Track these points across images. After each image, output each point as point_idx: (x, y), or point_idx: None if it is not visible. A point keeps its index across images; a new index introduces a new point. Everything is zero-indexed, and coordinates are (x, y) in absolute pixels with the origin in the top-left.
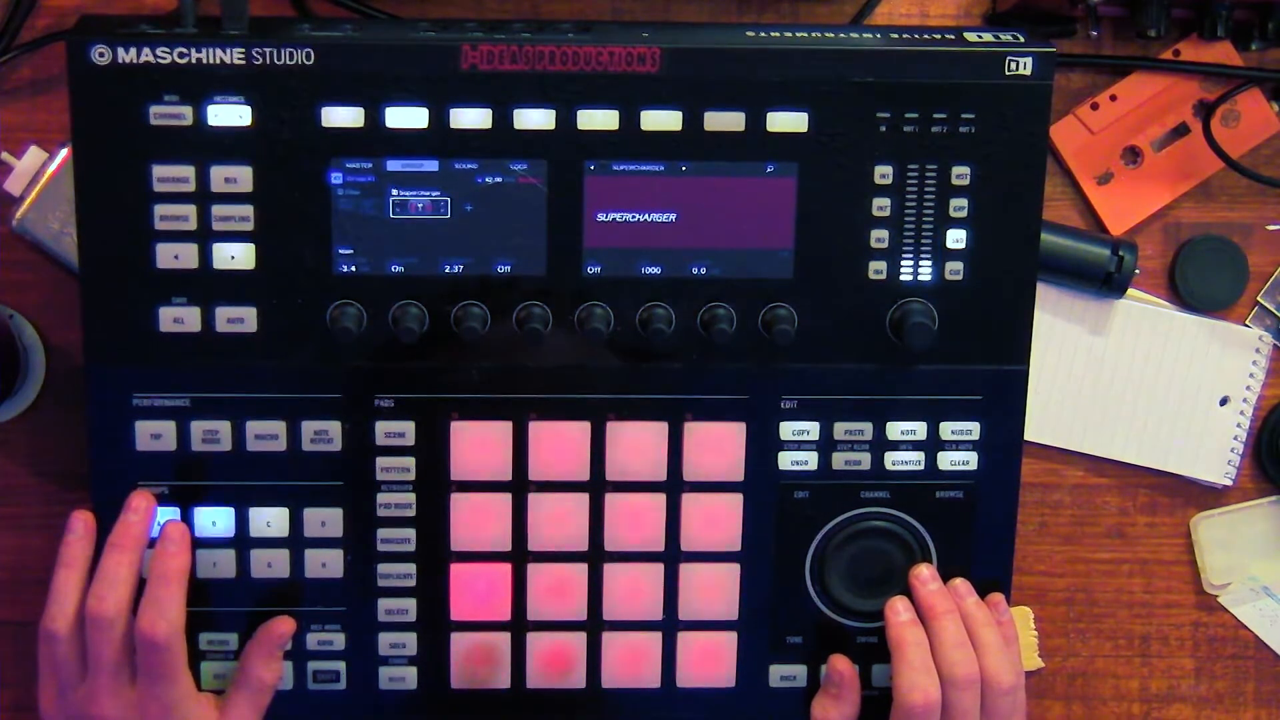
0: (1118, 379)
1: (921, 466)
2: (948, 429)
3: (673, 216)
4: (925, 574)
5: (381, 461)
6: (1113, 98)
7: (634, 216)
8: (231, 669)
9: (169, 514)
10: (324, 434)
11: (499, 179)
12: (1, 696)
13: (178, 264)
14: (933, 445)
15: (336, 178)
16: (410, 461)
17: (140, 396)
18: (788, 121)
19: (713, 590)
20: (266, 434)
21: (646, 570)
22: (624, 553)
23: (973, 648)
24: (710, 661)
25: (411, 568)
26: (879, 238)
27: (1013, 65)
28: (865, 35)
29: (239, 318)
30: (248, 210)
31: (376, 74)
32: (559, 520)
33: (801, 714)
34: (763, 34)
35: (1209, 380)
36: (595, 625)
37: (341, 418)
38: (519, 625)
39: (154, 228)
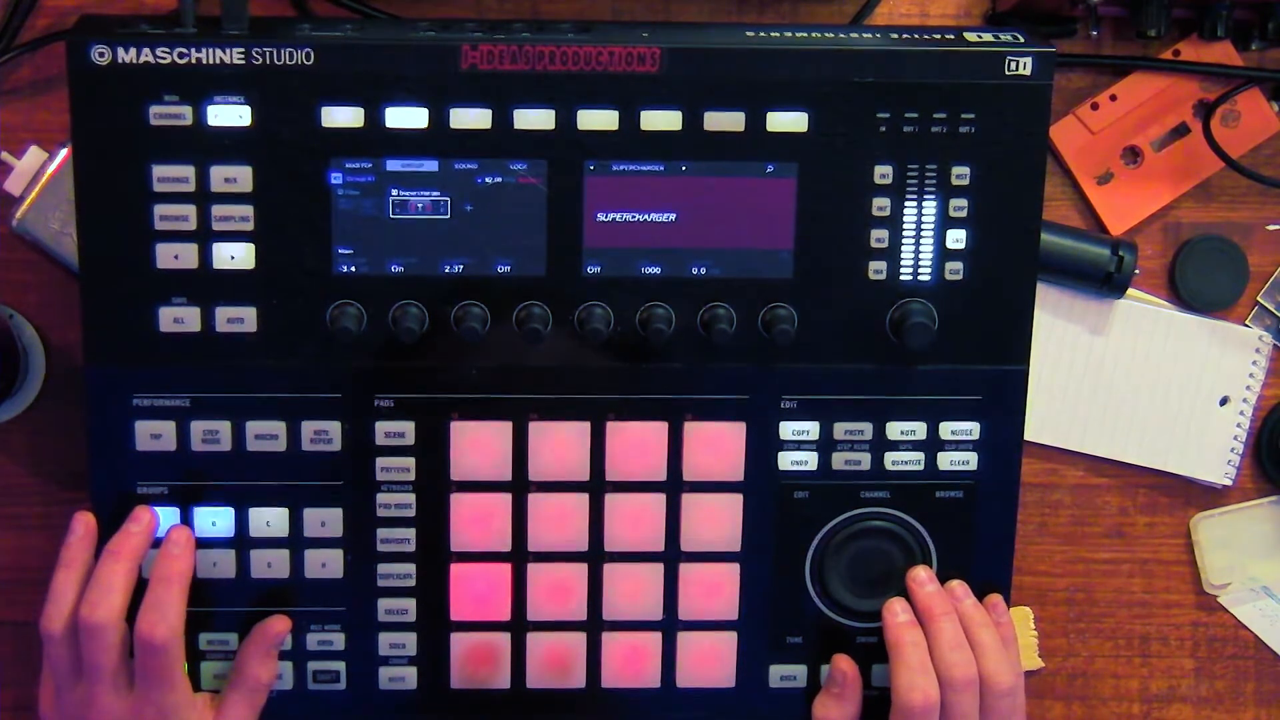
0: (1118, 379)
1: (921, 466)
2: (948, 429)
3: (673, 216)
4: (923, 576)
5: (381, 461)
6: (1113, 98)
7: (634, 216)
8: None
9: (169, 515)
10: (324, 434)
11: (499, 179)
12: (2, 696)
13: (178, 264)
14: (933, 445)
15: (336, 178)
16: (410, 461)
17: (140, 396)
18: (788, 121)
19: (713, 590)
20: (266, 434)
21: (646, 570)
22: (624, 553)
23: (971, 649)
24: (710, 661)
25: (411, 568)
26: (879, 238)
27: (1013, 65)
28: (865, 35)
29: (239, 318)
30: (248, 210)
31: (376, 74)
32: (559, 520)
33: (802, 714)
34: (763, 34)
35: (1209, 380)
36: (595, 625)
37: (341, 418)
38: (519, 625)
39: (154, 228)
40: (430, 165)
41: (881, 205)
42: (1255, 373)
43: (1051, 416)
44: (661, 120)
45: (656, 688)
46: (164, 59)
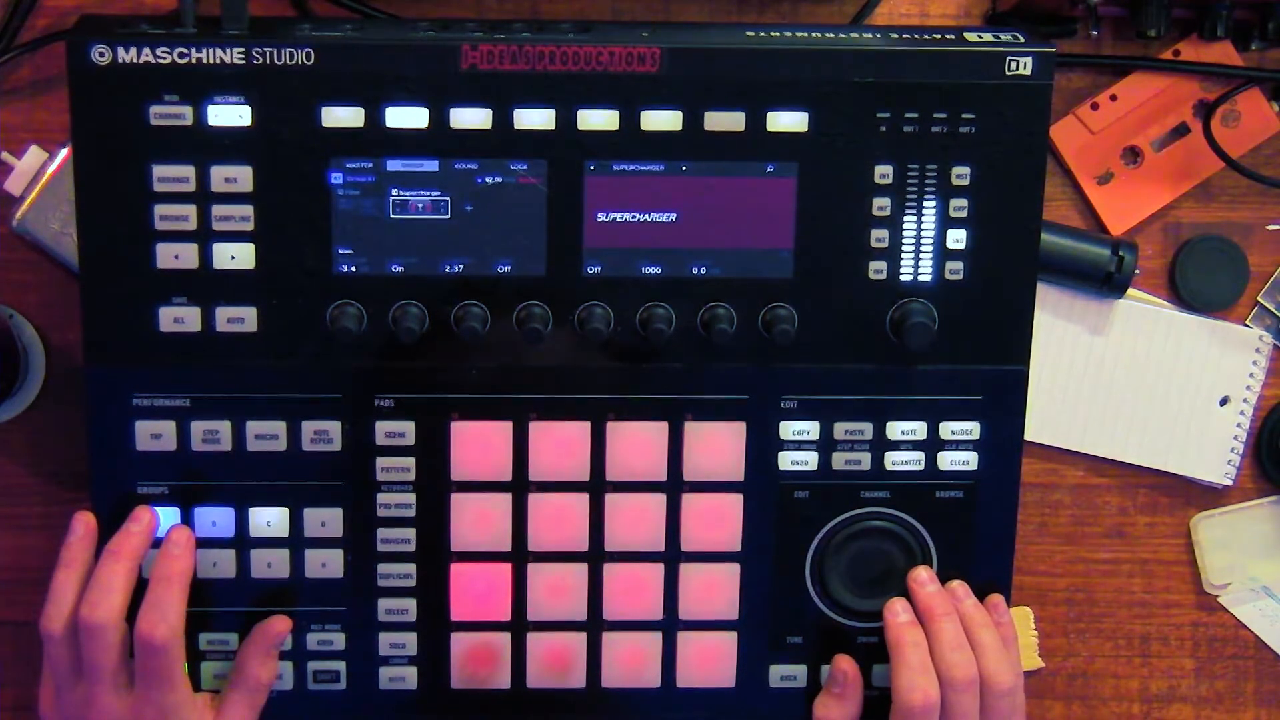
0: (1118, 379)
1: (921, 466)
2: (948, 429)
3: (673, 216)
4: (923, 576)
5: (381, 461)
6: (1113, 98)
7: (634, 216)
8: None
9: (169, 515)
10: (324, 434)
11: (499, 179)
12: (2, 696)
13: (178, 264)
14: (933, 445)
15: (336, 178)
16: (410, 461)
17: (140, 396)
18: (788, 121)
19: (713, 590)
20: (266, 434)
21: (646, 570)
22: (624, 553)
23: (971, 649)
24: (710, 661)
25: (411, 568)
26: (879, 238)
27: (1013, 65)
28: (865, 35)
29: (239, 318)
30: (248, 210)
31: (376, 74)
32: (559, 520)
33: (802, 714)
34: (763, 34)
35: (1209, 380)
36: (595, 625)
37: (341, 418)
38: (519, 625)
39: (154, 228)
40: (430, 165)
41: (881, 205)
42: (1255, 373)
43: (1051, 416)
44: (661, 120)
45: (656, 688)
46: (164, 59)
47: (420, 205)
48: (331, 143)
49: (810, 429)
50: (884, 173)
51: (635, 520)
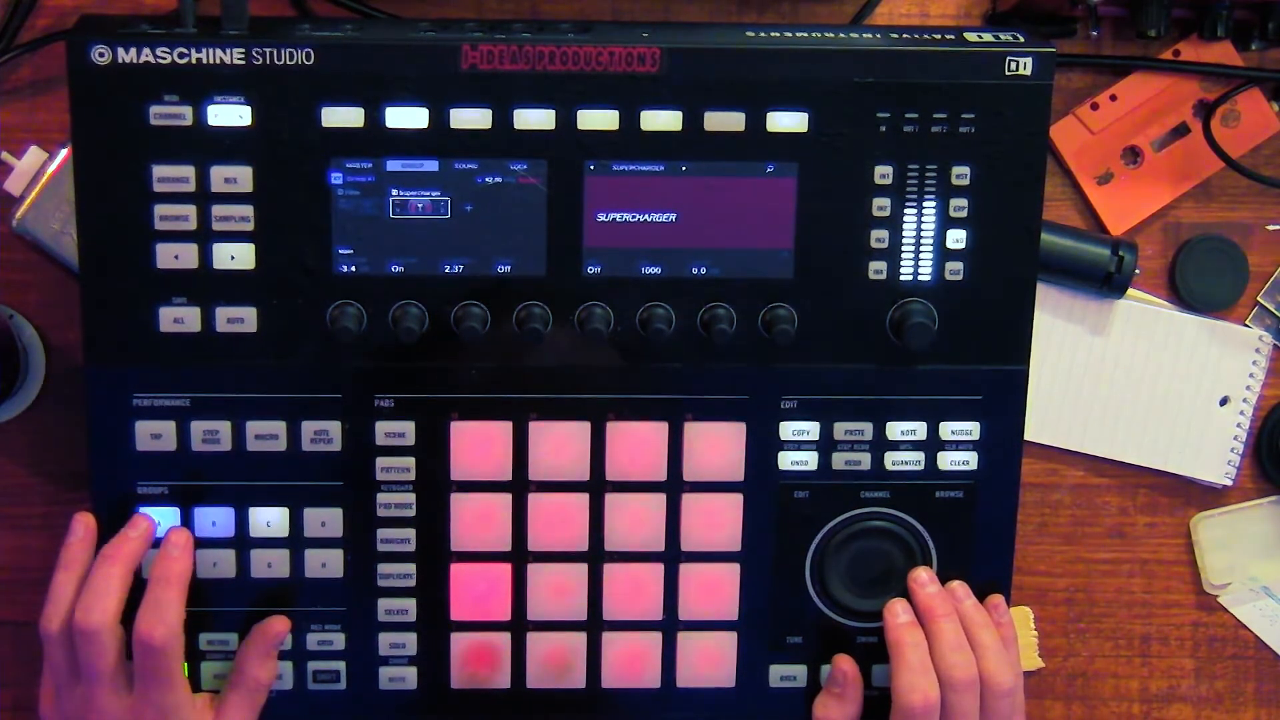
0: (1118, 379)
1: (921, 466)
2: (948, 429)
3: (673, 216)
4: (924, 577)
5: (381, 461)
6: (1113, 98)
7: (634, 216)
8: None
9: (169, 515)
10: (324, 434)
11: (499, 179)
12: (1, 697)
13: (178, 264)
14: (933, 445)
15: (336, 178)
16: (410, 461)
17: (140, 396)
18: (788, 121)
19: (713, 590)
20: (266, 434)
21: (646, 570)
22: (624, 553)
23: (971, 650)
24: (710, 661)
25: (411, 568)
26: (879, 238)
27: (1013, 65)
28: (865, 35)
29: (239, 318)
30: (248, 210)
31: (376, 74)
32: (559, 520)
33: (802, 714)
34: (763, 34)
35: (1209, 380)
36: (595, 625)
37: (341, 418)
38: (519, 625)
39: (154, 228)
40: (430, 165)
41: (881, 205)
42: (1255, 373)
43: (1051, 416)
44: (661, 120)
45: (656, 688)
46: (164, 59)
47: (420, 205)
48: (331, 143)
49: (810, 429)
50: (884, 173)
51: (635, 520)
